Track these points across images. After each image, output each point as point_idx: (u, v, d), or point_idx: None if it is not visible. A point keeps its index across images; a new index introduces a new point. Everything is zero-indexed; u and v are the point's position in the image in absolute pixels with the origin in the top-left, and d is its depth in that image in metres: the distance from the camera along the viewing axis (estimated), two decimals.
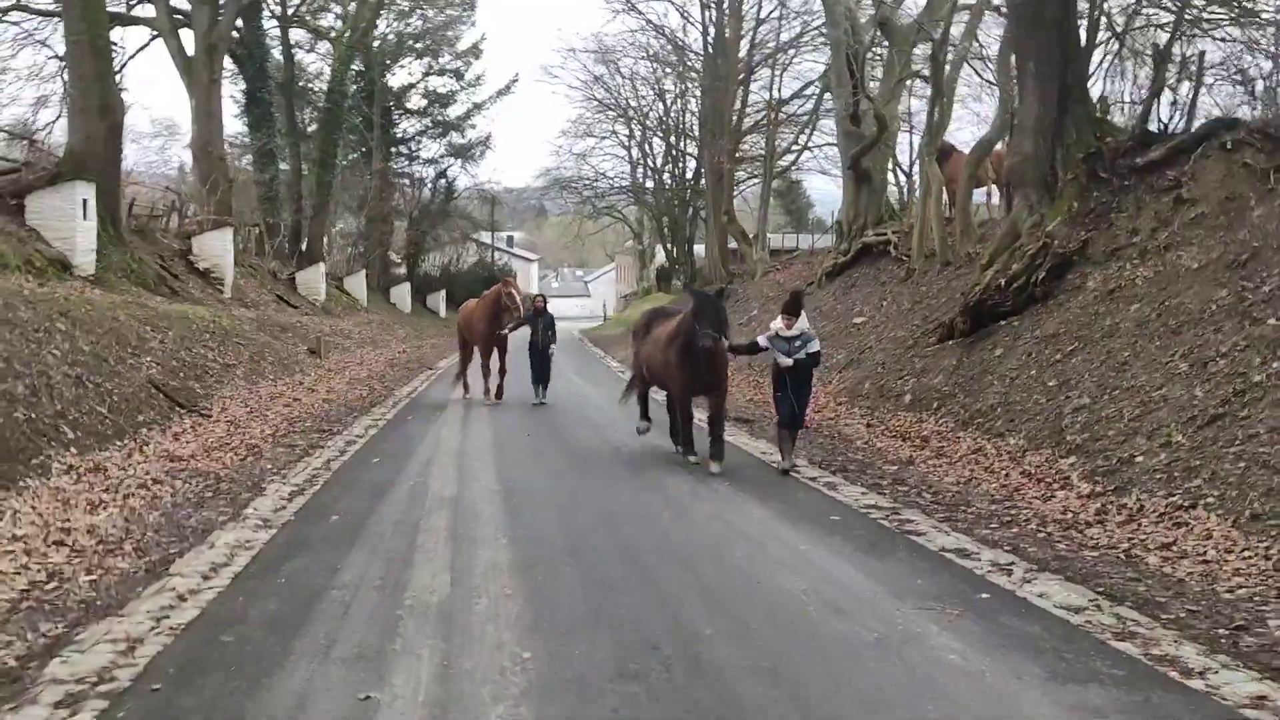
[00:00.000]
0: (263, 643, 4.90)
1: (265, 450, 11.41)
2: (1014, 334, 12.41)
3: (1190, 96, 13.41)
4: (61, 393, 10.60)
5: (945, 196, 20.58)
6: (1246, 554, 6.27)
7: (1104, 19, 13.97)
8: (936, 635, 5.00)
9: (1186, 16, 13.13)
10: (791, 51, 38.54)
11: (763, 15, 39.30)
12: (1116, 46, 14.20)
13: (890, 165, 29.61)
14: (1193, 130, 12.38)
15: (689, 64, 45.38)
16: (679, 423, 10.81)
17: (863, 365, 16.22)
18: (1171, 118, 13.33)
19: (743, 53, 38.85)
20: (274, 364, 19.14)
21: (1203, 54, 13.60)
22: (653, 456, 11.02)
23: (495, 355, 16.76)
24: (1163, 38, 14.49)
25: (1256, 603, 5.54)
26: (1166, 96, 13.90)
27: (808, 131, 38.68)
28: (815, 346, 10.08)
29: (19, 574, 6.17)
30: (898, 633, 5.03)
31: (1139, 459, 8.25)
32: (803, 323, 10.03)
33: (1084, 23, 14.39)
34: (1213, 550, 6.45)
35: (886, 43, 26.30)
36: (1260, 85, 12.86)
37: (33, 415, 9.64)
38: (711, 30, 39.65)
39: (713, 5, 39.22)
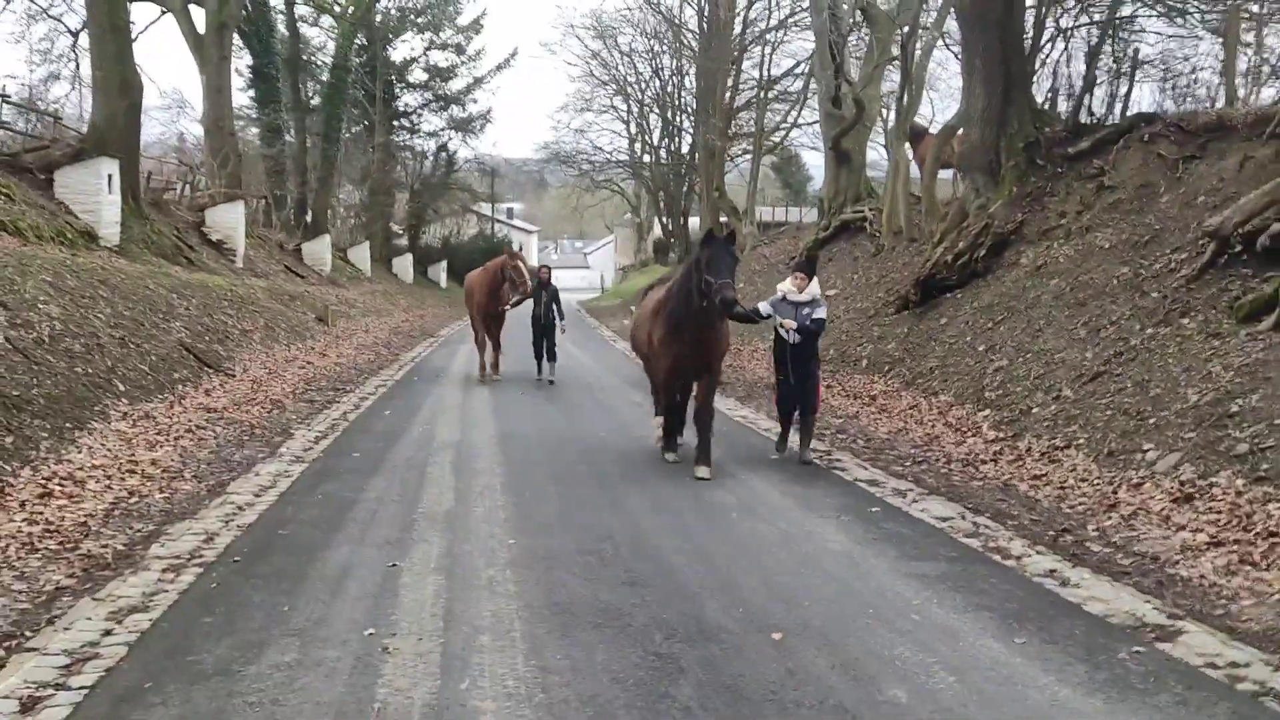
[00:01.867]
0: (311, 535, 6.41)
1: (288, 405, 12.88)
2: (956, 305, 13.88)
3: (1126, 90, 14.79)
4: (111, 351, 12.05)
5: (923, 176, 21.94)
6: (1096, 482, 7.77)
7: (1049, 18, 15.26)
8: (827, 533, 6.52)
9: (1118, 18, 14.48)
10: (782, 31, 39.68)
11: None
12: (1063, 43, 15.51)
13: (884, 143, 30.96)
14: (1117, 123, 13.76)
15: (685, 41, 46.56)
16: (662, 413, 9.25)
17: (830, 334, 17.64)
18: (1109, 109, 14.67)
19: (736, 30, 40.01)
20: (286, 330, 20.57)
21: (1136, 50, 14.98)
22: (633, 414, 12.50)
23: (492, 330, 16.03)
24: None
25: (1087, 515, 7.04)
26: (1117, 89, 15.27)
27: (797, 109, 39.96)
28: (821, 313, 9.08)
29: (106, 491, 7.67)
30: (798, 531, 6.55)
31: (1035, 410, 9.75)
32: (814, 287, 9.11)
33: (1036, 18, 15.79)
34: (1071, 479, 7.96)
35: (868, 28, 27.59)
36: (1182, 81, 14.22)
37: (89, 370, 11.09)
38: (706, 8, 40.82)
39: None
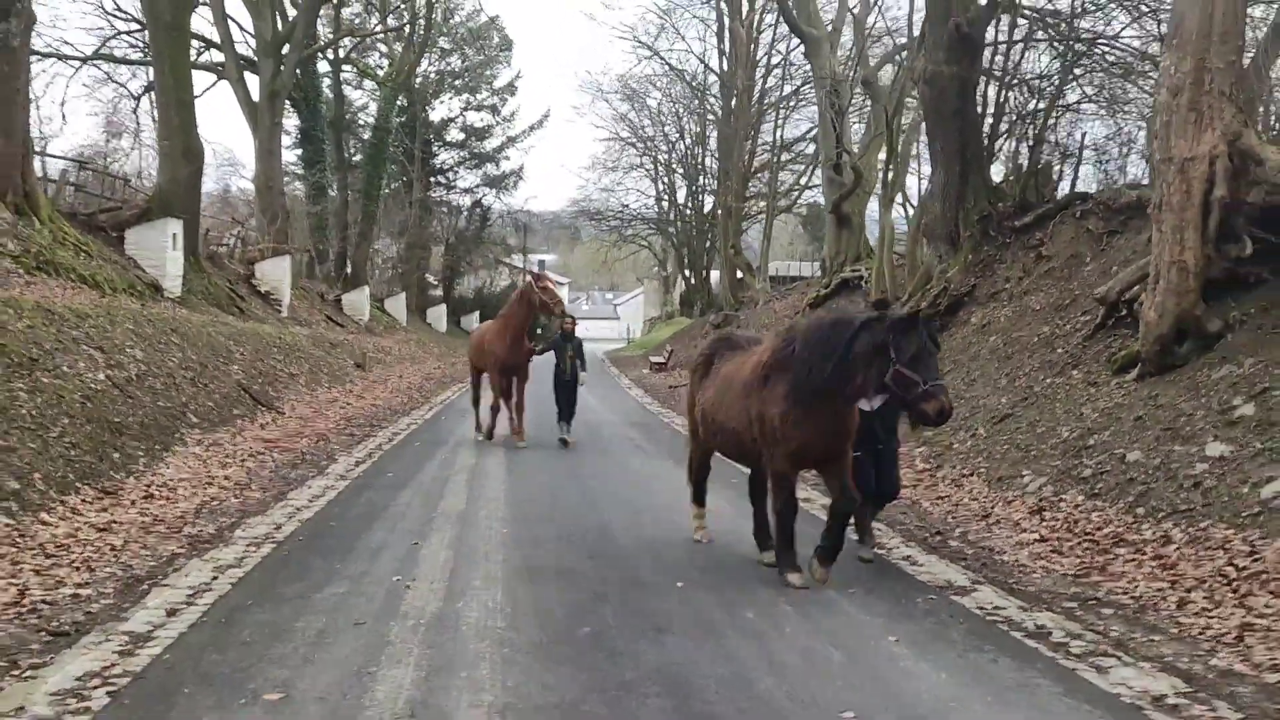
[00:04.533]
0: (355, 526, 8.43)
1: (331, 437, 14.95)
2: None
3: (1074, 169, 16.76)
4: (184, 389, 14.19)
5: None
6: (983, 501, 9.63)
7: (1007, 106, 17.33)
8: (745, 527, 8.38)
9: (1060, 105, 16.54)
10: (796, 99, 42.11)
11: (772, 64, 43.06)
12: (1020, 128, 17.53)
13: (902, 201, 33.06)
14: (1057, 200, 15.72)
15: (709, 106, 49.17)
16: (778, 513, 6.91)
17: None
18: (1056, 188, 16.64)
19: (755, 98, 42.46)
20: (328, 375, 22.75)
21: (1084, 135, 16.97)
22: (625, 447, 14.45)
23: (514, 385, 14.28)
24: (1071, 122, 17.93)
25: (961, 523, 8.92)
26: (1062, 169, 17.25)
27: (810, 171, 42.20)
28: None
29: (194, 496, 9.73)
30: (726, 526, 8.45)
31: (956, 446, 11.61)
32: None
33: (997, 104, 17.85)
34: (966, 499, 9.82)
35: (868, 99, 29.80)
36: (1112, 165, 16.20)
37: (169, 404, 13.22)
38: (727, 75, 43.35)
39: (727, 55, 42.94)
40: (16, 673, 4.90)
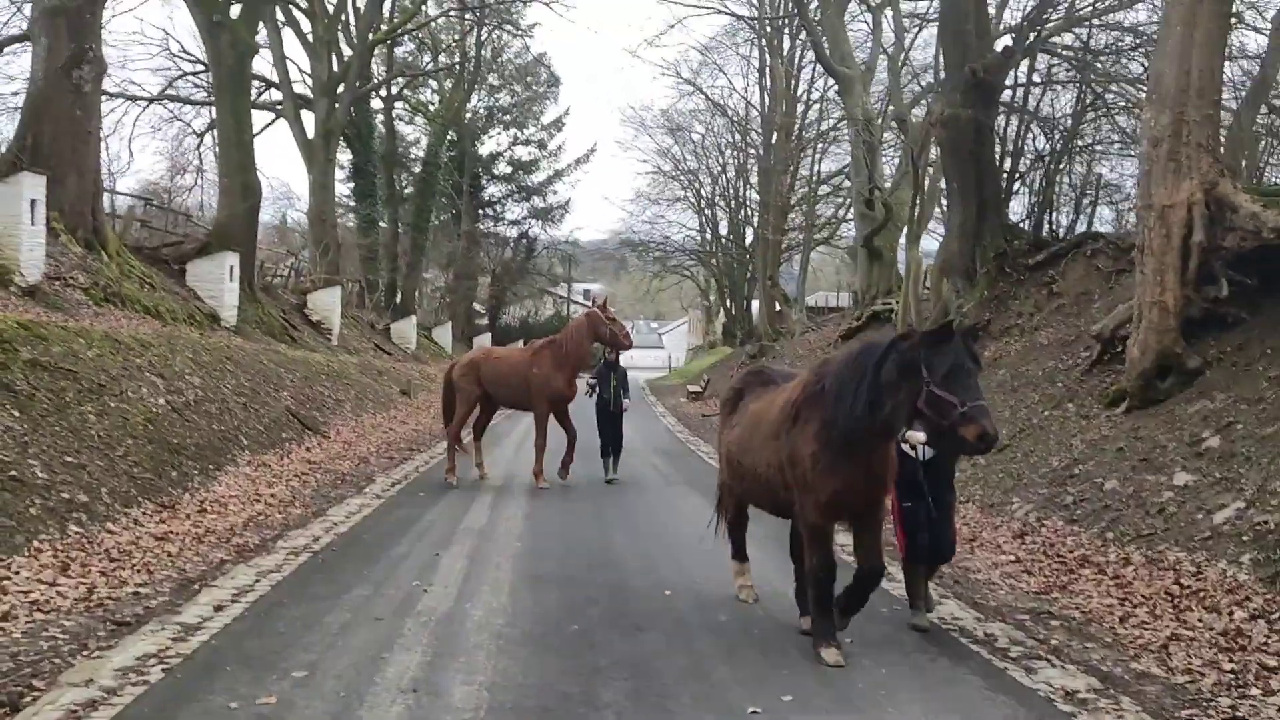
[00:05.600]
0: (385, 538, 9.26)
1: (372, 460, 15.85)
2: None
3: (1090, 208, 17.30)
4: (236, 413, 15.18)
5: None
6: (973, 526, 10.20)
7: (1026, 148, 17.94)
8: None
9: (1075, 147, 17.12)
10: (834, 133, 42.78)
11: (811, 100, 43.88)
12: (1042, 168, 18.12)
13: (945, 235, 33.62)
14: (1068, 239, 16.27)
15: (750, 141, 50.02)
16: (811, 573, 6.23)
17: None
18: (1073, 227, 17.19)
19: (794, 133, 43.23)
20: (374, 401, 23.76)
21: (1099, 176, 17.52)
22: (649, 474, 15.17)
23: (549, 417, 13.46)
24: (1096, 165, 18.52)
25: None
26: (1079, 208, 17.79)
27: (847, 205, 42.81)
28: None
29: (242, 511, 10.62)
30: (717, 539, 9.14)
31: (956, 474, 12.16)
32: None
33: (1016, 144, 18.45)
34: (959, 524, 10.33)
35: (902, 135, 30.41)
36: (1126, 204, 16.73)
37: (222, 428, 14.20)
38: (767, 112, 44.22)
39: (768, 91, 43.84)
40: (86, 653, 5.75)
